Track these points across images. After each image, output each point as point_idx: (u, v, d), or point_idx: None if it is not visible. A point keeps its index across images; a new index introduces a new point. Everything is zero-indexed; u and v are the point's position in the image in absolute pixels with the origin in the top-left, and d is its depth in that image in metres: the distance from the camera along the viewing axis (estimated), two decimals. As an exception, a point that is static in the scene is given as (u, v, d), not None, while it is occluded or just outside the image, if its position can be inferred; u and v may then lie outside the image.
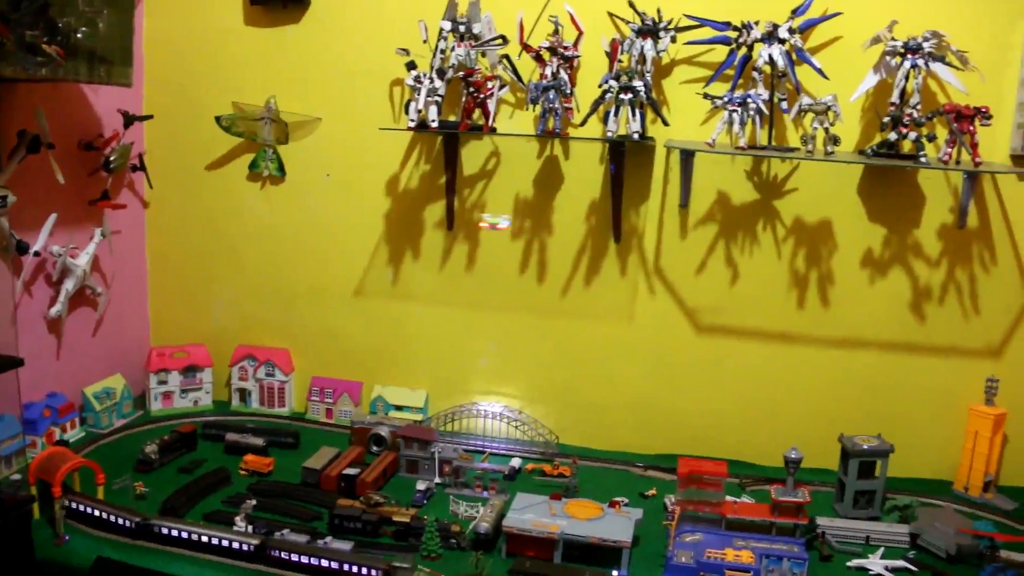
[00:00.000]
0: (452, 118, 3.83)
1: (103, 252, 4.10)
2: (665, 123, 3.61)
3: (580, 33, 3.63)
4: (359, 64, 4.03)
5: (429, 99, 3.55)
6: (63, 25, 3.31)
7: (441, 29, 3.69)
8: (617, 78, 3.45)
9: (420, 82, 3.56)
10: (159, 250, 4.51)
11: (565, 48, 3.56)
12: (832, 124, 3.44)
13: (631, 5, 3.60)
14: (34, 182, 3.60)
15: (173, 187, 4.40)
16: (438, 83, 3.57)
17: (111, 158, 3.98)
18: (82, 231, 3.99)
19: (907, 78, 3.46)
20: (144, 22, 4.27)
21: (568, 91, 3.50)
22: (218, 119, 4.13)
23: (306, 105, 4.14)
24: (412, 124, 3.60)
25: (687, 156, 3.57)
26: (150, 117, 4.21)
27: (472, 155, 3.99)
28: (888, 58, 3.49)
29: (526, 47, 3.63)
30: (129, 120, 4.05)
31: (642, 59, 3.56)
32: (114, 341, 4.30)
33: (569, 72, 3.59)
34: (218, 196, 4.36)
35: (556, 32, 3.60)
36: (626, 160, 3.73)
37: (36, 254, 3.67)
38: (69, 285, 3.86)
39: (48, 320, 3.84)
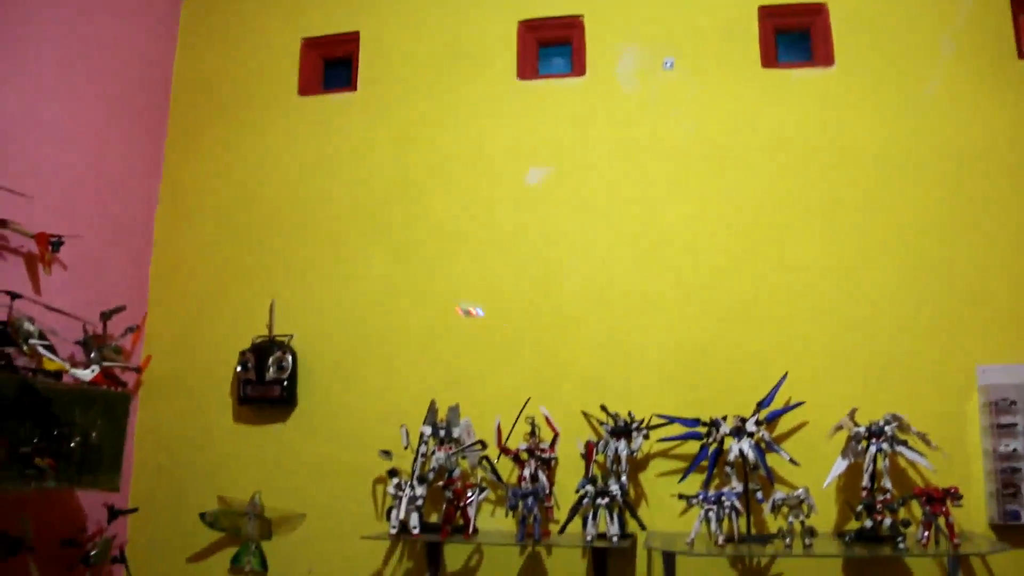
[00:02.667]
0: (435, 516, 3.88)
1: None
2: (642, 526, 3.68)
3: (556, 434, 3.80)
4: (343, 463, 4.16)
5: (410, 507, 3.63)
6: (57, 434, 3.48)
7: (422, 434, 3.84)
8: (593, 483, 3.55)
9: (401, 490, 3.65)
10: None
11: (542, 451, 3.71)
12: (807, 516, 3.49)
13: (603, 408, 3.79)
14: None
15: (154, 581, 4.34)
16: (419, 490, 3.66)
17: (91, 553, 3.95)
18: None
19: (875, 461, 3.57)
20: (139, 415, 4.46)
21: (545, 495, 3.59)
22: (203, 515, 4.17)
23: (291, 501, 4.20)
24: (393, 531, 3.64)
25: (668, 558, 3.59)
26: (135, 510, 4.25)
27: (455, 553, 3.99)
28: (854, 443, 3.63)
29: (504, 450, 3.78)
30: (114, 515, 4.07)
31: (617, 459, 3.69)
32: None
33: (547, 472, 3.70)
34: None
35: (533, 433, 3.76)
36: (608, 559, 3.74)
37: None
38: None
39: None
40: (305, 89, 4.70)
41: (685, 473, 3.77)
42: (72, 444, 3.54)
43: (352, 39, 4.67)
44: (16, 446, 3.33)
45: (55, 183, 4.07)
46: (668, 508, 3.81)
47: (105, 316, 4.15)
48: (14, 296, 3.58)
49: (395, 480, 3.70)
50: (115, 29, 4.56)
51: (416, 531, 3.62)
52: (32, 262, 3.91)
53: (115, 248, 4.46)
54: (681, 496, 3.58)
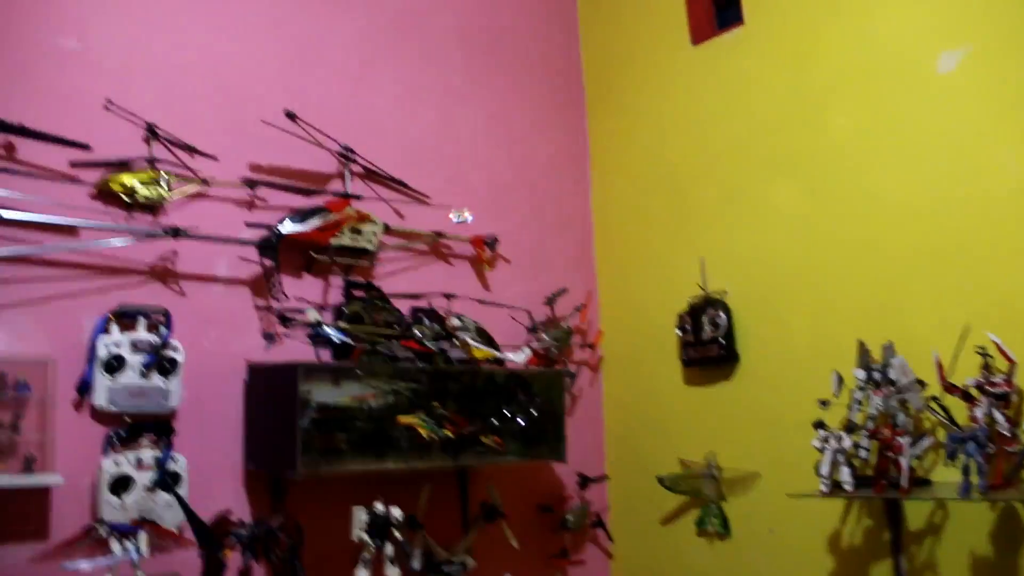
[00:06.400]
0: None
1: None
2: None
3: (1012, 363, 3.12)
4: (789, 416, 3.88)
5: (838, 460, 3.30)
6: (504, 414, 3.97)
7: (856, 378, 3.46)
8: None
9: (828, 442, 3.34)
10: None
11: (994, 385, 3.08)
12: None
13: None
14: (491, 547, 4.00)
15: (634, 543, 4.57)
16: (846, 441, 3.31)
17: (568, 518, 4.33)
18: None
19: None
20: (603, 385, 4.77)
21: (985, 443, 2.97)
22: (660, 479, 4.26)
23: (744, 460, 4.10)
24: (825, 490, 3.34)
25: None
26: (604, 478, 4.53)
27: (917, 510, 3.51)
28: None
29: (949, 387, 3.21)
30: (584, 482, 4.41)
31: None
32: None
33: (1005, 409, 3.06)
34: (672, 553, 4.40)
35: (986, 366, 3.15)
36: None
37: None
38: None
39: None
40: (697, 36, 4.55)
41: None
42: (518, 422, 3.91)
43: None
44: (471, 427, 3.80)
45: (484, 186, 4.52)
46: None
47: (549, 300, 4.50)
48: (450, 296, 4.07)
49: (821, 432, 3.39)
50: (514, 20, 4.89)
51: (848, 487, 3.28)
52: (474, 264, 4.41)
53: (554, 236, 4.79)
54: None
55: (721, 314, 4.21)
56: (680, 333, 4.37)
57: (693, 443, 4.30)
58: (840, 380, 3.49)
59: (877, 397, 3.38)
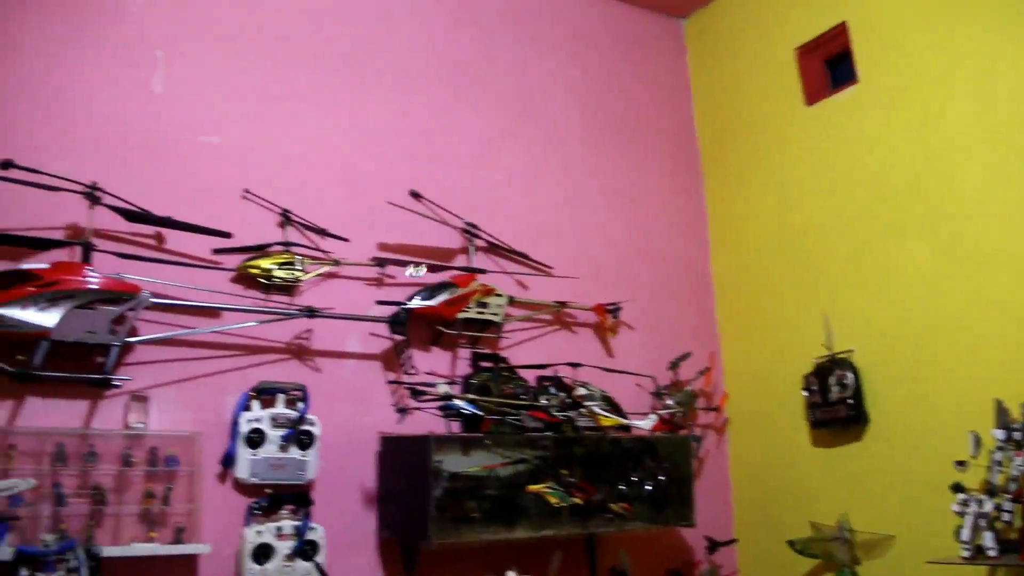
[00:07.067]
0: None
1: None
2: None
3: None
4: (923, 478, 3.81)
5: (981, 524, 3.21)
6: (632, 480, 4.03)
7: (995, 438, 3.37)
8: None
9: (967, 506, 3.25)
10: None
11: None
12: None
13: None
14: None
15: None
16: (987, 505, 3.21)
17: (700, 583, 4.32)
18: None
19: None
20: (729, 448, 4.75)
21: None
22: (791, 543, 4.19)
23: (877, 522, 4.00)
24: (967, 555, 3.24)
25: None
26: (733, 541, 4.49)
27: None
28: None
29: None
30: (713, 546, 4.38)
31: None
32: None
33: None
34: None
35: None
36: None
37: None
38: None
39: None
40: (811, 96, 4.59)
41: None
42: (645, 488, 3.94)
43: (840, 31, 4.45)
44: (600, 495, 3.86)
45: (604, 254, 4.65)
46: None
47: (673, 364, 4.55)
48: (575, 366, 4.16)
49: (960, 496, 3.31)
50: (629, 93, 5.07)
51: (992, 553, 3.18)
52: (598, 331, 4.50)
53: (675, 300, 4.87)
54: None
55: (848, 374, 4.16)
56: (806, 394, 4.34)
57: (823, 505, 4.23)
58: (978, 441, 3.41)
59: (1019, 458, 3.29)
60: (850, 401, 4.13)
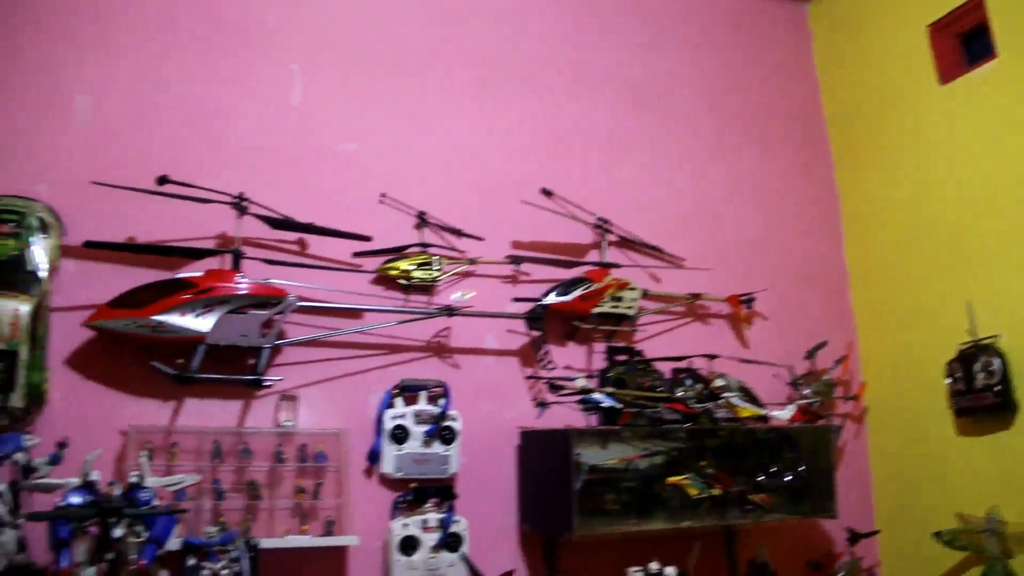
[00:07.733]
0: None
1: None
2: None
3: None
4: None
5: None
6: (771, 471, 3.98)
7: None
8: None
9: None
10: None
11: None
12: None
13: None
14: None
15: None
16: None
17: (838, 574, 4.21)
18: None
19: None
20: (868, 437, 4.65)
21: None
22: (937, 534, 4.05)
23: (1032, 515, 3.85)
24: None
25: None
26: (877, 533, 4.38)
27: None
28: None
29: None
30: (855, 538, 4.27)
31: None
32: None
33: None
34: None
35: None
36: None
37: None
38: None
39: None
40: (945, 75, 4.40)
41: None
42: (785, 478, 3.90)
43: (976, 5, 4.24)
44: (738, 486, 3.83)
45: (735, 245, 4.60)
46: None
47: (809, 354, 4.47)
48: (711, 357, 4.13)
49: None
50: (754, 81, 4.98)
51: None
52: (732, 323, 4.47)
53: (808, 289, 4.77)
54: None
55: (995, 360, 3.99)
56: (949, 381, 4.19)
57: (970, 496, 4.07)
58: None
59: None
60: (997, 388, 3.96)
